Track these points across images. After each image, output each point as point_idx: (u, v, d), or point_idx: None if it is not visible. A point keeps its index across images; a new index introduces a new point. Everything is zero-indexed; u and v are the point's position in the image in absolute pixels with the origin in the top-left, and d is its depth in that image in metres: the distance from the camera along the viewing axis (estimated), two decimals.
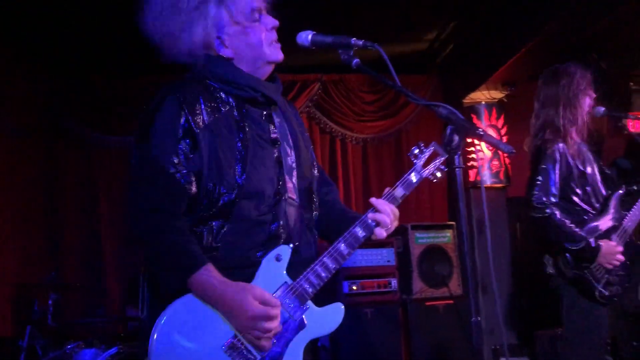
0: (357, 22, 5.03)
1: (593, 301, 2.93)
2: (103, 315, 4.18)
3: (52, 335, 3.96)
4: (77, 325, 4.46)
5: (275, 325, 1.61)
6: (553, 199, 2.96)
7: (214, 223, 1.68)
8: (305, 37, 1.77)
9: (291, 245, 1.74)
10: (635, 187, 3.21)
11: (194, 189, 1.66)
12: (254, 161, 1.72)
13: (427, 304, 4.62)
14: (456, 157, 1.42)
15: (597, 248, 2.90)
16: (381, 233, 1.82)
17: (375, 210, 1.80)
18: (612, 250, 2.94)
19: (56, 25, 4.72)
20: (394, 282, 4.62)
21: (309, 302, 1.72)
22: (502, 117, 5.65)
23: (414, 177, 1.87)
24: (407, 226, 4.74)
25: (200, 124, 1.68)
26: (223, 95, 1.77)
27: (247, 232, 1.70)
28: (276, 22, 1.82)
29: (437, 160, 1.88)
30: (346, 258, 1.78)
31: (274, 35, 1.81)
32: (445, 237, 4.84)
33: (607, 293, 2.92)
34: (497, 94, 5.61)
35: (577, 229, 2.92)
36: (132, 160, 1.72)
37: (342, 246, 1.78)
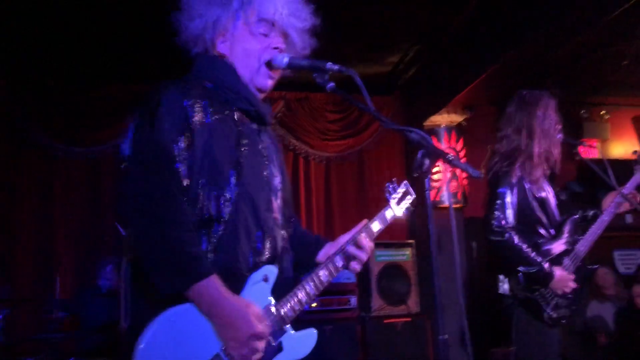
0: (321, 43, 5.09)
1: (542, 322, 2.99)
2: (57, 330, 4.05)
3: (2, 352, 3.82)
4: (29, 341, 4.31)
5: (262, 348, 1.60)
6: (511, 223, 3.04)
7: (210, 228, 1.64)
8: (281, 59, 1.80)
9: (277, 266, 1.75)
10: (591, 213, 3.34)
11: (185, 184, 1.62)
12: (248, 170, 1.72)
13: (386, 321, 4.69)
14: (426, 180, 1.47)
15: (551, 274, 2.97)
16: (356, 267, 1.88)
17: (357, 245, 1.86)
18: (565, 278, 3.01)
19: (17, 34, 4.62)
20: (353, 300, 4.66)
21: (287, 326, 1.73)
22: (461, 140, 5.80)
23: (389, 214, 1.98)
24: None
25: (198, 122, 1.66)
26: (222, 100, 1.77)
27: (239, 242, 1.67)
28: (282, 45, 1.84)
29: (408, 199, 2.01)
30: (325, 285, 1.81)
31: (270, 56, 1.82)
32: (404, 255, 4.93)
33: (555, 315, 3.00)
34: (457, 118, 5.76)
35: (533, 254, 2.98)
36: (134, 144, 1.62)
37: (322, 273, 1.81)
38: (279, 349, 1.71)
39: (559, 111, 3.26)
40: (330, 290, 4.58)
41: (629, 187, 3.28)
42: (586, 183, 5.89)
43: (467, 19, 4.75)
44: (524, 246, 2.99)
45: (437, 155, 1.44)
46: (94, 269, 4.79)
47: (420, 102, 5.95)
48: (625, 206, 3.22)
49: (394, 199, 1.99)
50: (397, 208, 1.99)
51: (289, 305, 1.73)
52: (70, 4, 4.20)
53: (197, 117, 1.67)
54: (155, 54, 4.51)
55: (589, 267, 3.23)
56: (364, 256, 1.86)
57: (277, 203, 1.84)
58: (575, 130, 6.09)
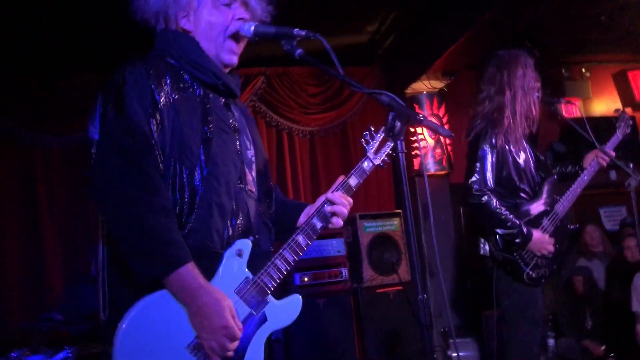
0: (298, 14, 5.02)
1: (522, 283, 3.03)
2: (47, 320, 4.04)
3: None
4: (20, 331, 4.30)
5: (233, 348, 1.59)
6: (490, 185, 3.05)
7: (182, 207, 1.63)
8: (248, 28, 1.78)
9: (251, 239, 1.74)
10: (569, 168, 3.35)
11: (161, 165, 1.61)
12: (218, 145, 1.71)
13: (378, 291, 4.72)
14: (399, 142, 1.46)
15: (529, 236, 3.00)
16: (338, 222, 1.89)
17: (333, 203, 1.86)
18: (543, 240, 3.04)
19: None
20: (345, 272, 4.69)
21: (269, 296, 1.73)
22: (443, 106, 5.78)
23: (366, 165, 1.95)
24: (355, 216, 4.81)
25: (164, 100, 1.64)
26: (186, 77, 1.74)
27: (212, 219, 1.67)
28: (245, 15, 1.81)
29: (387, 146, 1.95)
30: (304, 249, 1.81)
31: (236, 27, 1.79)
32: (393, 225, 4.94)
33: (534, 275, 3.03)
34: (438, 84, 5.74)
35: (511, 216, 3.00)
36: (105, 127, 1.60)
37: (301, 238, 1.81)
38: (264, 319, 1.72)
39: (537, 70, 3.25)
40: (321, 264, 4.60)
41: (609, 146, 3.30)
42: (570, 143, 5.91)
43: None
44: (502, 209, 3.01)
45: (407, 116, 1.43)
46: (83, 256, 4.77)
47: (401, 70, 5.91)
48: (605, 160, 3.24)
49: (371, 147, 1.96)
50: (375, 157, 1.96)
51: (267, 275, 1.72)
52: None
53: (163, 96, 1.64)
54: (125, 41, 4.42)
55: (570, 226, 3.25)
56: (343, 210, 1.87)
57: (251, 175, 1.83)
58: (556, 89, 6.10)
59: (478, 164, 3.06)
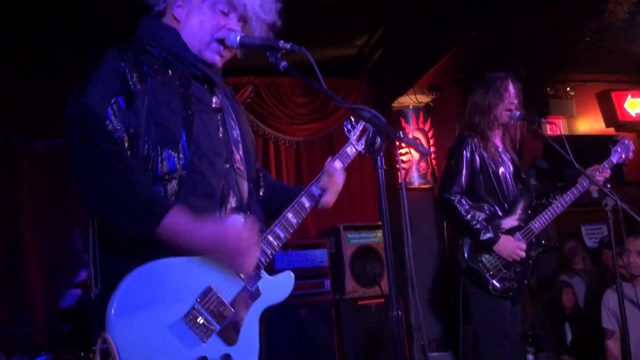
0: (288, 27, 5.06)
1: (488, 294, 3.06)
2: (25, 325, 3.99)
3: None
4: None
5: (257, 251, 1.63)
6: (462, 187, 3.14)
7: (165, 188, 1.64)
8: (234, 38, 1.80)
9: (242, 215, 1.74)
10: (544, 200, 3.41)
11: (126, 144, 1.61)
12: (199, 126, 1.72)
13: (360, 302, 4.72)
14: (379, 158, 1.48)
15: (496, 237, 3.05)
16: (327, 200, 1.93)
17: (328, 173, 1.93)
18: (513, 244, 3.07)
19: None
20: (327, 283, 4.69)
21: (262, 271, 1.76)
22: (429, 120, 5.83)
23: (349, 150, 2.04)
24: (339, 227, 4.82)
25: (139, 83, 1.65)
26: (163, 62, 1.76)
27: (196, 200, 1.68)
28: (236, 28, 1.84)
29: (368, 134, 2.00)
30: (295, 227, 1.85)
31: (223, 35, 1.82)
32: (376, 237, 4.96)
33: (499, 286, 3.06)
34: (424, 99, 5.79)
35: (480, 219, 3.07)
36: (68, 110, 1.63)
37: (290, 215, 1.85)
38: (257, 293, 1.74)
39: (520, 87, 3.34)
40: (304, 275, 4.60)
41: (593, 171, 3.35)
42: (553, 160, 5.98)
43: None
44: (473, 212, 3.08)
45: (387, 132, 1.45)
46: (64, 265, 4.72)
47: (388, 84, 5.96)
48: (596, 188, 3.31)
49: (354, 134, 2.05)
50: (357, 144, 2.05)
51: (260, 250, 1.74)
52: None
53: (137, 80, 1.65)
54: (110, 41, 4.42)
55: (543, 242, 3.28)
56: (332, 185, 1.93)
57: (239, 154, 1.86)
58: (541, 107, 6.17)
59: (452, 169, 3.17)
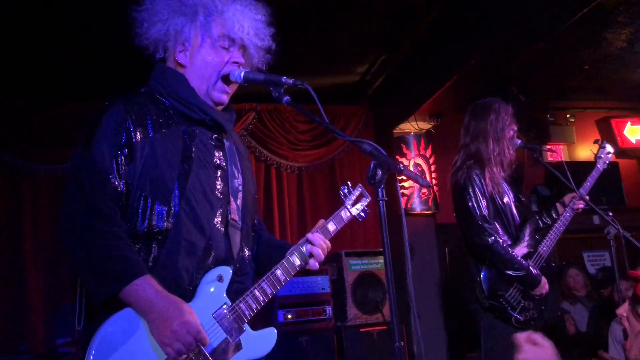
0: (291, 56, 5.14)
1: (510, 326, 3.04)
2: (26, 352, 3.98)
3: None
4: None
5: (193, 342, 1.59)
6: (488, 224, 3.08)
7: (150, 242, 1.66)
8: (239, 74, 1.84)
9: (232, 267, 1.77)
10: (548, 222, 3.42)
11: (124, 199, 1.66)
12: (195, 182, 1.74)
13: (362, 330, 4.69)
14: (380, 190, 1.50)
15: (539, 279, 3.04)
16: (314, 264, 1.94)
17: (311, 243, 1.92)
18: (545, 282, 3.09)
19: None
20: (329, 310, 4.67)
21: (246, 325, 1.76)
22: (430, 147, 5.87)
23: (344, 214, 2.08)
24: (341, 253, 4.81)
25: (140, 136, 1.69)
26: (172, 113, 1.79)
27: (179, 256, 1.69)
28: (241, 60, 1.88)
29: (364, 201, 2.12)
30: (282, 284, 1.85)
31: (228, 71, 1.86)
32: (378, 263, 4.94)
33: (522, 318, 3.05)
34: (425, 125, 5.84)
35: (518, 257, 3.05)
36: (71, 163, 1.67)
37: (279, 272, 1.85)
38: (238, 347, 1.74)
39: (517, 115, 3.36)
40: (305, 301, 4.58)
41: (589, 180, 3.40)
42: (554, 186, 6.00)
43: (429, 28, 4.83)
44: (510, 250, 3.05)
45: (388, 165, 1.47)
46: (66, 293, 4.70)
47: (389, 110, 6.01)
48: (579, 206, 3.34)
49: (349, 200, 2.11)
50: (352, 209, 2.11)
51: (245, 304, 1.75)
52: (31, 21, 4.16)
53: (140, 132, 1.69)
54: (118, 70, 4.49)
55: (554, 265, 3.29)
56: (320, 253, 1.93)
57: (236, 204, 1.87)
58: (542, 134, 6.22)
59: (470, 204, 3.11)
